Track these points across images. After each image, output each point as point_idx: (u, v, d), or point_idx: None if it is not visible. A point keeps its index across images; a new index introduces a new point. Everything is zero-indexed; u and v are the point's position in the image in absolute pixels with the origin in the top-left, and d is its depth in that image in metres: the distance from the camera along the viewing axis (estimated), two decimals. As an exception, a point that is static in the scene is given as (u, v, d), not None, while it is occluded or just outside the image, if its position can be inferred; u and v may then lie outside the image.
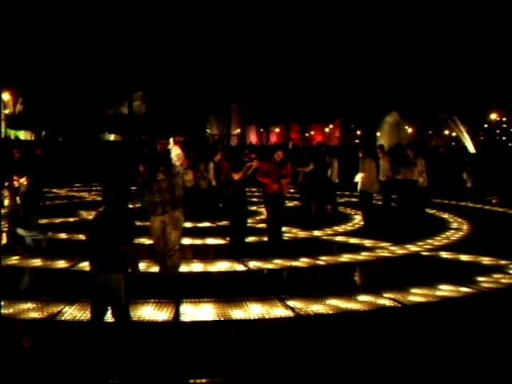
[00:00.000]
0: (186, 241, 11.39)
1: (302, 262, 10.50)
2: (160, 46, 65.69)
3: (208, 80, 69.85)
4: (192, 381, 5.30)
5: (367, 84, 72.03)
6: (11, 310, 7.16)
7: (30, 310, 7.21)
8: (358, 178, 14.90)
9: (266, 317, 7.15)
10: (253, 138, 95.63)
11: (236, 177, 11.44)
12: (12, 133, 69.15)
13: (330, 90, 77.83)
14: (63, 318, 6.94)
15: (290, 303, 7.67)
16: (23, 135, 74.15)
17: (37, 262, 9.99)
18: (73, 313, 7.11)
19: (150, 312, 7.21)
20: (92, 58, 63.85)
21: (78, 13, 62.38)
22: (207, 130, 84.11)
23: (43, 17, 61.86)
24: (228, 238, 12.03)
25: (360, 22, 69.35)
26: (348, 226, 14.96)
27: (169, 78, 67.33)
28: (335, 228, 14.52)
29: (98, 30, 63.11)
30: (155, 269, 9.14)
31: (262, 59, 72.40)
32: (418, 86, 69.55)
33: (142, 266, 9.74)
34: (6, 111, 69.20)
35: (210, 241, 12.47)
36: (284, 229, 12.22)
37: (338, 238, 13.13)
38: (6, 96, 66.04)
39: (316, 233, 13.72)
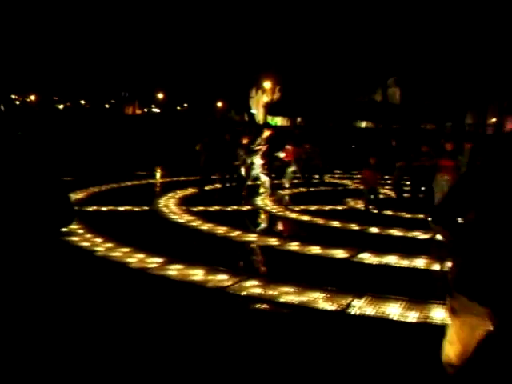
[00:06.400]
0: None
1: None
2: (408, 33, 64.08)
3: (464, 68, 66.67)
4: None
5: None
6: (303, 299, 7.26)
7: (320, 300, 7.23)
8: None
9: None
10: (511, 126, 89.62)
11: None
12: (270, 119, 73.04)
13: None
14: (353, 312, 6.86)
15: None
16: (280, 121, 77.85)
17: (315, 250, 10.08)
18: (362, 307, 7.01)
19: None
20: (347, 45, 64.52)
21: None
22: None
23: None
24: None
25: None
26: None
27: (425, 64, 65.50)
28: None
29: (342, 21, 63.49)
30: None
31: None
32: None
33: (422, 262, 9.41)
34: (266, 99, 73.09)
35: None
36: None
37: None
38: (268, 84, 69.72)
39: None
